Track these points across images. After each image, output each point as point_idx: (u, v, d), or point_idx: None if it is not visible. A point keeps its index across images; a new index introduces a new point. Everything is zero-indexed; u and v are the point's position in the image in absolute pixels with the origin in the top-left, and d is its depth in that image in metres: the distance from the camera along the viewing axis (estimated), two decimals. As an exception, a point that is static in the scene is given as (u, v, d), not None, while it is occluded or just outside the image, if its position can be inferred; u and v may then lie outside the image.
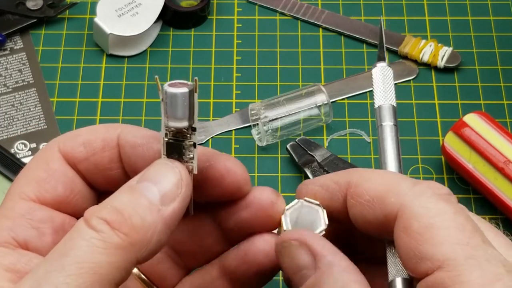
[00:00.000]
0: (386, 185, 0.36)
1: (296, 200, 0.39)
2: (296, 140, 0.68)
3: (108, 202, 0.36)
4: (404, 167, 0.69)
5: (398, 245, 0.35)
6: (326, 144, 0.70)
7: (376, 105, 0.43)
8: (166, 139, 0.37)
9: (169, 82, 0.37)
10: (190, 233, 0.42)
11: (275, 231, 0.41)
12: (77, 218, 0.37)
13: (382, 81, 0.44)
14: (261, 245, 0.40)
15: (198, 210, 0.41)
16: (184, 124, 0.37)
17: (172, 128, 0.37)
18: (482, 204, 0.67)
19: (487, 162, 0.64)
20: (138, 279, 0.42)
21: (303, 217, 0.39)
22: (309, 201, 0.39)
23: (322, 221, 0.38)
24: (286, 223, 0.38)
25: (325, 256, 0.36)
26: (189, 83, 0.37)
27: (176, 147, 0.38)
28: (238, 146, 0.70)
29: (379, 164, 0.41)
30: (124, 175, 0.40)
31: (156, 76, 0.37)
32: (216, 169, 0.39)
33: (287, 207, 0.39)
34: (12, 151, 0.69)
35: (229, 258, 0.42)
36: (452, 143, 0.65)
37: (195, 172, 0.38)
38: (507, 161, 0.63)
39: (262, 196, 0.40)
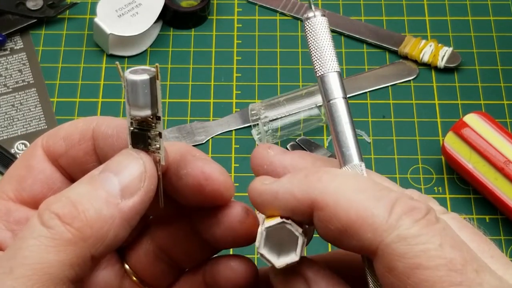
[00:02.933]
0: (359, 214, 0.32)
1: (279, 220, 0.35)
2: (296, 140, 0.68)
3: (64, 193, 0.34)
4: (404, 167, 0.69)
5: (384, 283, 0.32)
6: (326, 144, 0.70)
7: (317, 74, 0.36)
8: (132, 128, 0.36)
9: (131, 69, 0.35)
10: (174, 238, 0.41)
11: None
12: None
13: (322, 38, 0.35)
14: (227, 275, 0.39)
15: (180, 215, 0.40)
16: (147, 112, 0.35)
17: (137, 117, 0.35)
18: (482, 204, 0.67)
19: (487, 162, 0.64)
20: (134, 281, 0.41)
21: (280, 238, 0.35)
22: (290, 224, 0.35)
23: (298, 251, 0.35)
24: (259, 242, 0.35)
25: (317, 283, 0.35)
26: (152, 69, 0.35)
27: (141, 137, 0.36)
28: (238, 146, 0.70)
29: (334, 149, 0.36)
30: None
31: (117, 63, 0.35)
32: (193, 176, 0.37)
33: (268, 224, 0.35)
34: (12, 151, 0.69)
35: (206, 273, 0.41)
36: (452, 143, 0.65)
37: (163, 163, 0.36)
38: (507, 161, 0.63)
39: (232, 214, 0.38)
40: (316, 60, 0.35)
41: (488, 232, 0.66)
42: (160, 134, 0.36)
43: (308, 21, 0.35)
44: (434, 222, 0.32)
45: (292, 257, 0.35)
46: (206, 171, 0.37)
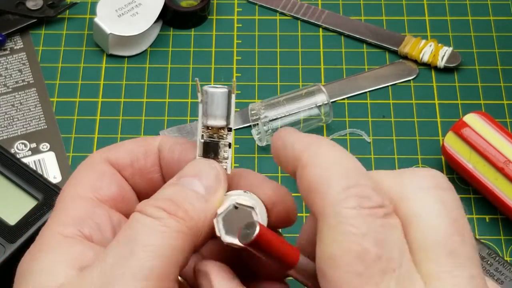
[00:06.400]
0: (320, 178, 0.34)
1: (227, 204, 0.38)
2: (296, 140, 0.68)
3: (155, 196, 0.38)
4: (404, 167, 0.69)
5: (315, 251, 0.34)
6: (326, 144, 0.70)
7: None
8: (202, 140, 0.40)
9: (208, 85, 0.39)
10: (214, 249, 0.43)
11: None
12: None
13: None
14: None
15: None
16: (223, 123, 0.39)
17: (209, 129, 0.40)
18: (482, 204, 0.67)
19: (487, 162, 0.64)
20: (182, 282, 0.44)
21: (237, 220, 0.38)
22: (241, 204, 0.38)
23: (256, 224, 0.37)
24: (218, 229, 0.38)
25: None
26: (226, 86, 0.39)
27: (212, 146, 0.40)
28: (238, 146, 0.70)
29: None
30: (164, 180, 0.42)
31: (197, 78, 0.39)
32: (266, 195, 0.40)
33: (220, 210, 0.38)
34: (12, 151, 0.69)
35: None
36: (452, 143, 0.65)
37: (229, 172, 0.40)
38: (507, 161, 0.63)
39: None
40: None
41: (486, 231, 0.66)
42: (229, 145, 0.40)
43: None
44: (377, 215, 0.33)
45: (255, 231, 0.37)
46: (279, 191, 0.40)
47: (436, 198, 0.35)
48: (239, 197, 0.38)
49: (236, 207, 0.38)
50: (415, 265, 0.33)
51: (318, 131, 0.70)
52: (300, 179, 0.36)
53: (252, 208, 0.37)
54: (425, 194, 0.35)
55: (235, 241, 0.37)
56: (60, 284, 0.36)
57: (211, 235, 0.38)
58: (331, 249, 0.33)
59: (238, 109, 0.72)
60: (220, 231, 0.37)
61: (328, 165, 0.35)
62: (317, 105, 0.70)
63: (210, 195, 0.38)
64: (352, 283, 0.32)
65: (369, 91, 0.73)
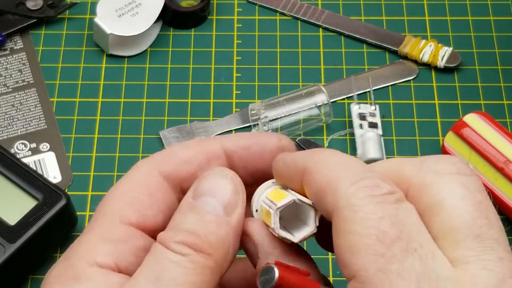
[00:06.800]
0: (329, 179, 0.35)
1: (289, 198, 0.37)
2: (296, 140, 0.68)
3: (176, 226, 0.37)
4: (404, 167, 0.69)
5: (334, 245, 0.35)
6: (326, 144, 0.70)
7: None
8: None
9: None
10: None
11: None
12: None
13: None
14: None
15: None
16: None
17: None
18: (482, 204, 0.67)
19: (487, 162, 0.64)
20: None
21: (294, 216, 0.38)
22: (302, 201, 0.37)
23: (312, 223, 0.37)
24: (274, 221, 0.37)
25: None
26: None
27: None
28: (238, 146, 0.70)
29: None
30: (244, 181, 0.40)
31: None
32: None
33: (279, 204, 0.37)
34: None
35: None
36: (452, 143, 0.65)
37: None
38: (507, 161, 0.63)
39: None
40: None
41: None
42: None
43: None
44: (389, 201, 0.33)
45: (310, 229, 0.37)
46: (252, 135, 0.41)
47: (459, 183, 0.35)
48: (295, 193, 0.38)
49: (296, 203, 0.37)
50: (442, 251, 0.33)
51: (318, 131, 0.70)
52: (309, 185, 0.36)
53: (313, 206, 0.37)
54: (447, 179, 0.35)
55: (288, 235, 0.37)
56: None
57: (236, 254, 0.38)
58: (350, 238, 0.33)
59: (238, 109, 0.72)
60: (275, 223, 0.37)
61: (333, 167, 0.35)
62: (317, 105, 0.70)
63: (230, 213, 0.37)
64: (375, 264, 0.32)
65: (369, 91, 0.73)
